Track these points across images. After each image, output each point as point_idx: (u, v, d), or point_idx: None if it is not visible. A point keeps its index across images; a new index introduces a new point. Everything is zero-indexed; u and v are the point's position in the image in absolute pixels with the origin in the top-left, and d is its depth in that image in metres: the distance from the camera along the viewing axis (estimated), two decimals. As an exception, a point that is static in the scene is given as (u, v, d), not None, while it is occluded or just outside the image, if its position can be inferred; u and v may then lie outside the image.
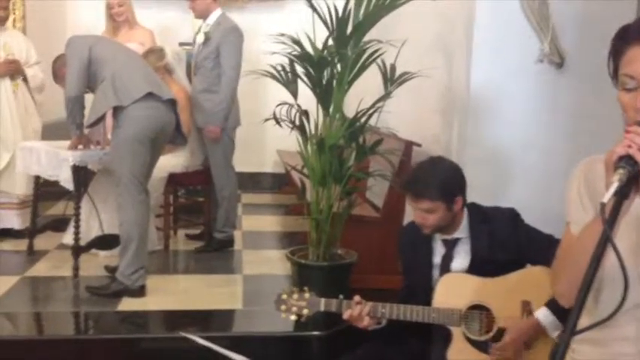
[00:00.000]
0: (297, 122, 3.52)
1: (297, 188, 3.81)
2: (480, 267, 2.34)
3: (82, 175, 3.90)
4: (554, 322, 2.16)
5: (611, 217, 1.13)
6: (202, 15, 4.48)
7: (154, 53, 4.41)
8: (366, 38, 3.41)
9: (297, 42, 3.41)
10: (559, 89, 3.40)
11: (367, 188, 4.21)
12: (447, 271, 2.39)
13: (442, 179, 2.36)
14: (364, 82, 3.51)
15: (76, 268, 3.84)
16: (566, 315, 1.15)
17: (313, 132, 3.52)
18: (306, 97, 3.52)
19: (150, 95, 3.56)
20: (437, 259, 2.44)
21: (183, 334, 2.58)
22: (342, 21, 3.30)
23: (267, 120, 3.63)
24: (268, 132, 5.30)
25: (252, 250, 4.62)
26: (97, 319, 3.43)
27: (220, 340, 2.28)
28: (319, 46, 3.41)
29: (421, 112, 4.19)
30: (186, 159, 4.54)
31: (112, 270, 3.74)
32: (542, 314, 2.18)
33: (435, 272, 2.42)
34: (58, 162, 3.88)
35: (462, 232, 2.42)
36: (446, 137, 3.79)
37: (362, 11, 3.33)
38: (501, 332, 2.26)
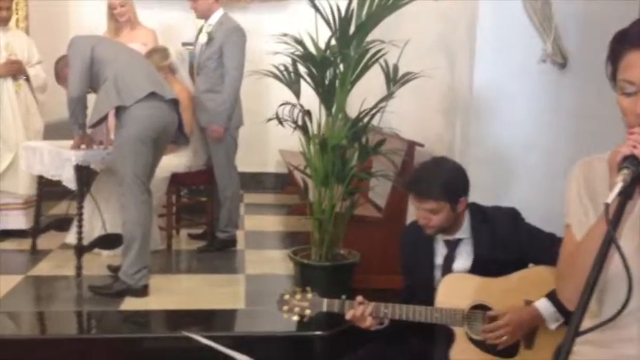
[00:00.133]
0: (300, 122, 3.52)
1: (300, 188, 3.81)
2: (482, 267, 2.34)
3: (84, 174, 3.91)
4: (554, 314, 2.16)
5: (615, 218, 1.13)
6: (204, 15, 4.48)
7: (159, 52, 4.42)
8: (369, 38, 3.41)
9: (300, 42, 3.41)
10: (562, 89, 3.40)
11: (370, 188, 4.21)
12: (449, 271, 2.39)
13: (447, 179, 2.36)
14: (367, 82, 3.51)
15: (78, 268, 3.84)
16: (566, 308, 1.15)
17: (316, 132, 3.52)
18: (309, 97, 3.52)
19: (152, 95, 3.56)
20: (439, 259, 2.44)
21: (186, 334, 2.58)
22: (344, 21, 3.31)
23: (269, 120, 3.63)
24: (271, 132, 5.29)
25: (254, 249, 4.63)
26: (99, 319, 3.44)
27: (223, 340, 2.28)
28: (322, 46, 3.41)
29: (424, 112, 4.19)
30: (188, 159, 4.54)
31: (114, 269, 3.74)
32: (543, 305, 2.18)
33: (437, 273, 2.42)
34: (60, 162, 3.89)
35: (464, 232, 2.42)
36: (448, 137, 3.79)
37: (364, 11, 3.33)
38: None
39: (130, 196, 3.52)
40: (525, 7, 3.32)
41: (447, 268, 2.40)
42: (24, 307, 3.53)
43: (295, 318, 2.38)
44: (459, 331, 2.29)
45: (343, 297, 2.36)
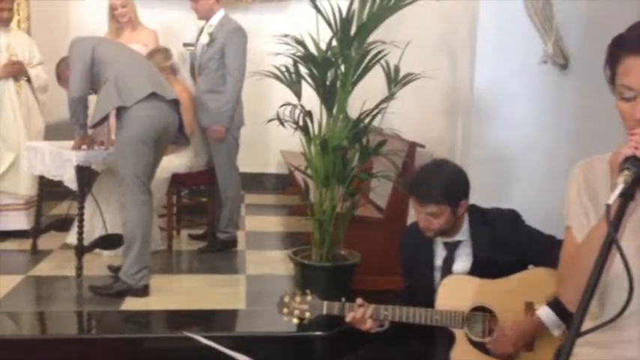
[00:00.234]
0: (301, 123, 3.52)
1: (301, 189, 3.81)
2: (481, 269, 2.33)
3: (85, 175, 3.91)
4: (556, 321, 2.15)
5: (616, 219, 1.13)
6: (205, 16, 4.48)
7: (161, 53, 4.42)
8: (370, 39, 3.41)
9: (301, 43, 3.41)
10: (563, 90, 3.40)
11: (370, 189, 4.21)
12: (449, 273, 2.39)
13: (447, 183, 2.35)
14: (368, 83, 3.51)
15: (79, 268, 3.84)
16: (567, 314, 1.15)
17: (317, 133, 3.52)
18: (310, 98, 3.52)
19: (153, 95, 3.56)
20: (438, 261, 2.43)
21: (187, 334, 2.59)
22: (345, 22, 3.31)
23: (270, 120, 3.63)
24: (272, 133, 5.29)
25: (255, 250, 4.62)
26: (100, 319, 3.44)
27: (223, 340, 2.28)
28: (323, 47, 3.41)
29: (425, 113, 4.18)
30: (189, 159, 4.55)
31: (115, 270, 3.74)
32: (545, 313, 2.17)
33: (437, 275, 2.42)
34: (61, 162, 3.89)
35: (463, 234, 2.41)
36: (450, 138, 3.79)
37: (366, 12, 3.33)
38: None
39: (130, 196, 3.52)
40: (526, 7, 3.32)
41: (447, 269, 2.40)
42: (24, 307, 3.53)
43: (295, 321, 2.38)
44: (459, 333, 2.28)
45: (343, 299, 2.36)
